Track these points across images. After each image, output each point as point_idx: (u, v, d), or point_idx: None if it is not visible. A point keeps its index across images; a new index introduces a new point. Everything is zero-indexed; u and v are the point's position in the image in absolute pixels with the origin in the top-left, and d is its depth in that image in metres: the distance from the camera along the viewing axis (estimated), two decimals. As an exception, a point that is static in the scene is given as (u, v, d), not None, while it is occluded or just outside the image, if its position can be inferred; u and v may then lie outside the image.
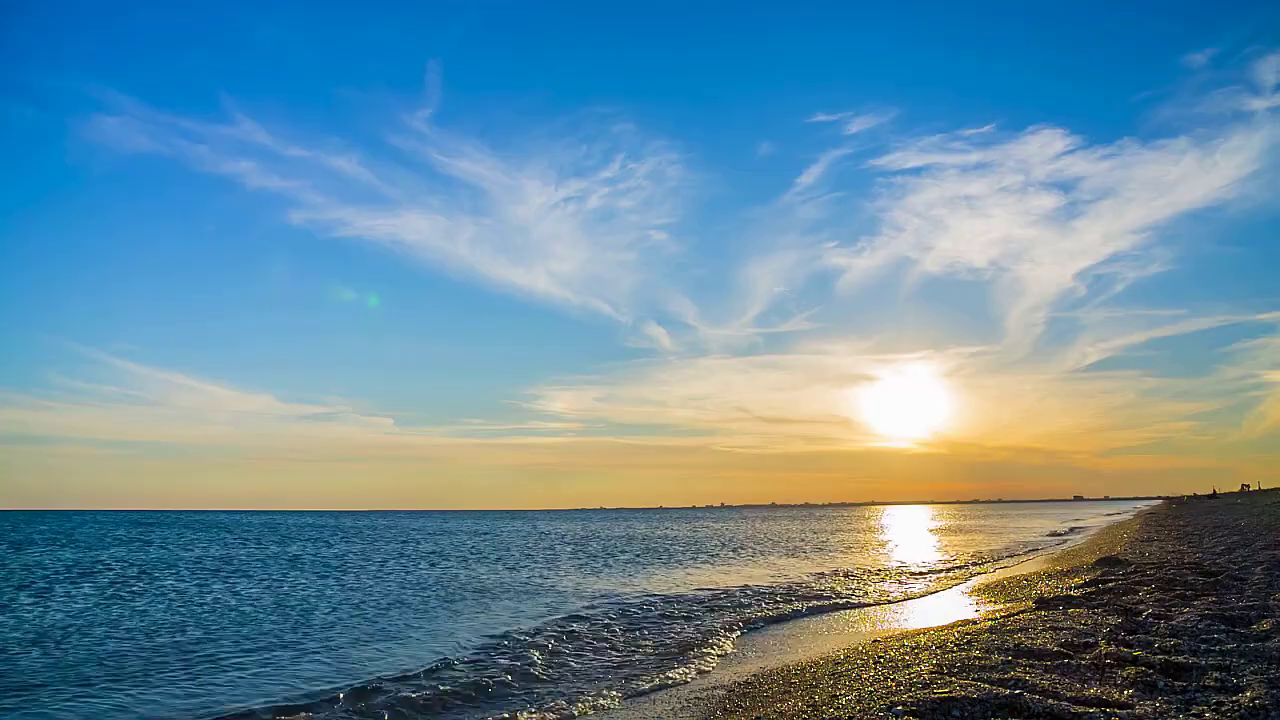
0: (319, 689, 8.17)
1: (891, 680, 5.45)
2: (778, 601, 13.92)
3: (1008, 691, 4.61)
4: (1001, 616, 8.95)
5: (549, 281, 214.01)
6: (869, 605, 13.31)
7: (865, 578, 18.17)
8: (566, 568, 22.85)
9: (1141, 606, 7.93)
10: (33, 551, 31.79)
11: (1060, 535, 35.57)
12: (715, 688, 7.46)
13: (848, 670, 6.60)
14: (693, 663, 8.94)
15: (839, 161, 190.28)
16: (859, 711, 4.74)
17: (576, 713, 7.08)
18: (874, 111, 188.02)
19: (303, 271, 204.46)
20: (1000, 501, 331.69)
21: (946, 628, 8.70)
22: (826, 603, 13.58)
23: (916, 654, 6.59)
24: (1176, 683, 4.99)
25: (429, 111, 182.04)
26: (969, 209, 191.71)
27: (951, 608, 12.17)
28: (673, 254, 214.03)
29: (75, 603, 15.19)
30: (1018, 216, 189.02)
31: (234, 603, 15.28)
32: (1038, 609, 9.00)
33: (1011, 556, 23.56)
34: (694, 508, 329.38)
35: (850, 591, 15.29)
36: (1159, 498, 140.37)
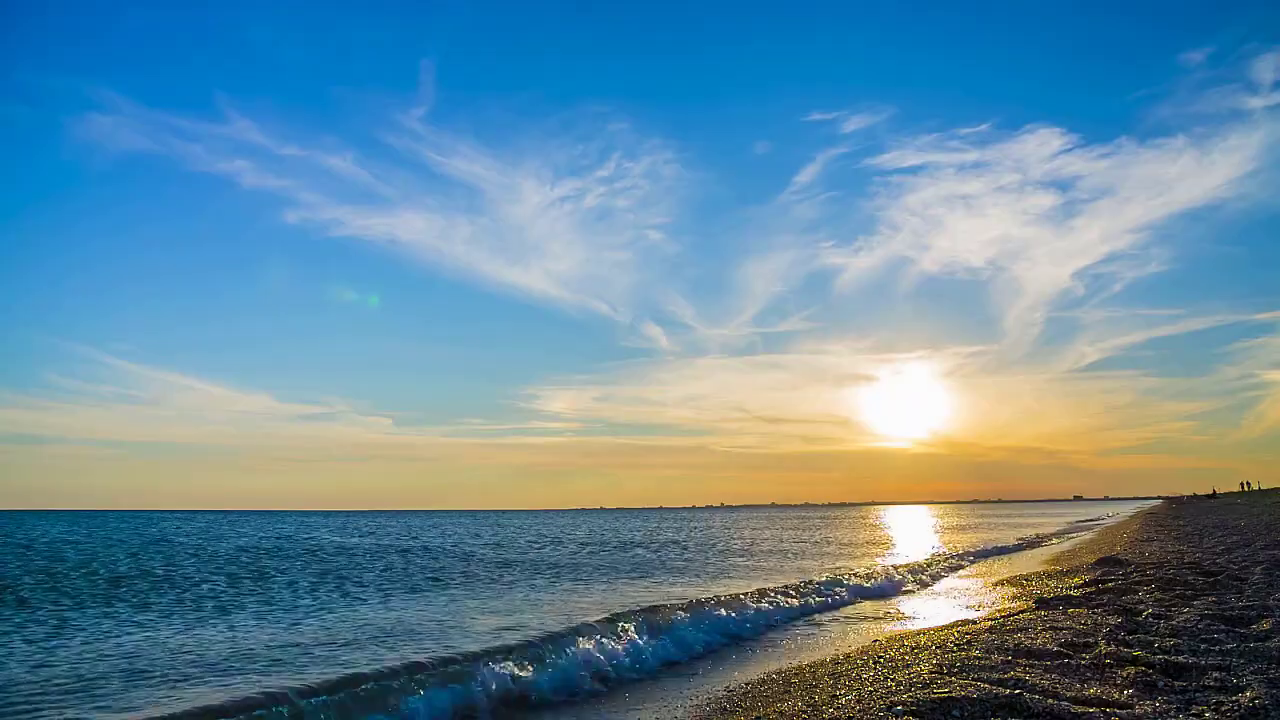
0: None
1: (891, 680, 5.44)
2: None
3: (1008, 691, 4.61)
4: (1001, 616, 8.94)
5: (546, 281, 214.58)
6: (865, 606, 13.31)
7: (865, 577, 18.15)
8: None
9: (1141, 606, 7.93)
10: None
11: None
12: (715, 687, 7.45)
13: (847, 670, 6.59)
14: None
15: (835, 160, 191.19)
16: (859, 711, 4.73)
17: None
18: (870, 110, 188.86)
19: (299, 271, 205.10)
20: (1000, 501, 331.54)
21: (946, 628, 8.70)
22: (826, 600, 13.58)
23: (916, 654, 6.58)
24: (1176, 683, 4.99)
25: (423, 111, 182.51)
26: (966, 208, 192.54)
27: (950, 607, 12.17)
28: (670, 253, 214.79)
29: None
30: (1015, 216, 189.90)
31: None
32: (1038, 609, 8.99)
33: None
34: (694, 507, 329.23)
35: (850, 591, 15.28)
36: (1159, 498, 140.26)
